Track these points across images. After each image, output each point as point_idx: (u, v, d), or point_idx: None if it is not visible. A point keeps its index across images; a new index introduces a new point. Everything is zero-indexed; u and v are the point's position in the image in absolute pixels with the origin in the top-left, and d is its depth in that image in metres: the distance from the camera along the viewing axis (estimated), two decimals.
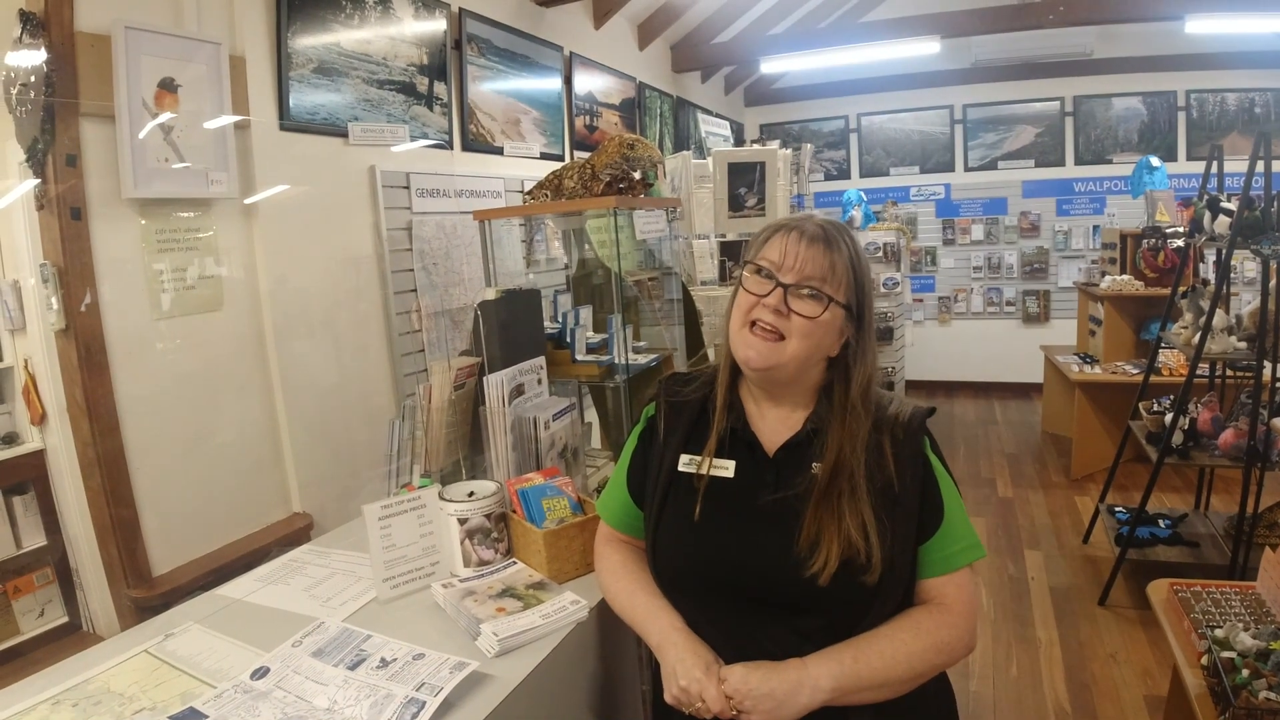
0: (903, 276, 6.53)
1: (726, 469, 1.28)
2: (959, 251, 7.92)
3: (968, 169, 7.79)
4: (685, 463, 1.31)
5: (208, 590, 1.68)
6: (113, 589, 2.49)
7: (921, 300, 8.06)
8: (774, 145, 4.35)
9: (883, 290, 6.36)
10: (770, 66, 6.73)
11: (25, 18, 2.09)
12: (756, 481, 1.26)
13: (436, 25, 3.54)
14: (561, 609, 1.40)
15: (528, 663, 1.27)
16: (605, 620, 1.47)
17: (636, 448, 1.43)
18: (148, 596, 2.38)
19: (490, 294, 2.25)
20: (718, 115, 7.40)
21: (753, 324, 1.23)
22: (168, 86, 2.37)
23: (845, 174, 8.20)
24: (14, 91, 2.15)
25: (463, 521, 1.61)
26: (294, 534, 2.75)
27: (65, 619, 3.05)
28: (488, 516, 1.63)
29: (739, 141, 7.88)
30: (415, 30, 3.41)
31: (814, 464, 1.22)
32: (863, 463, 1.20)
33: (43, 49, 2.10)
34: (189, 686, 1.24)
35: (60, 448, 2.80)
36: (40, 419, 2.99)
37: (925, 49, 6.04)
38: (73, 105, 2.17)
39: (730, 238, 4.37)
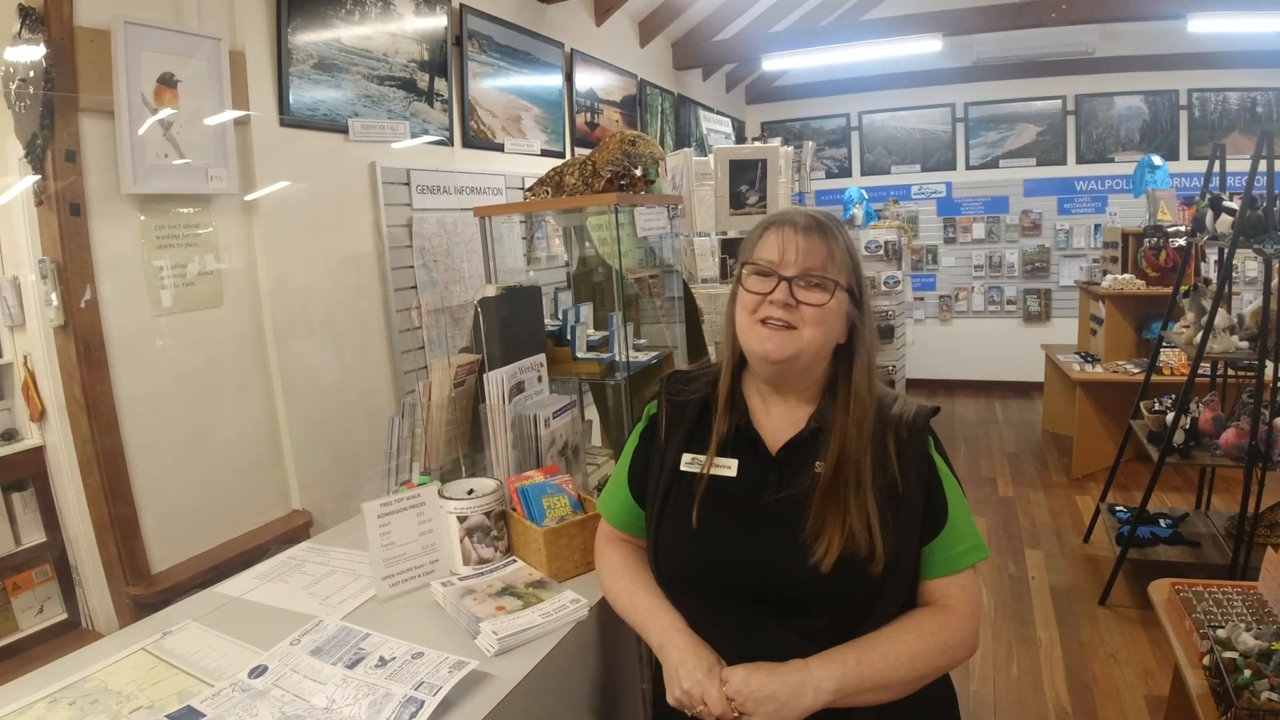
0: (903, 275, 6.52)
1: (729, 468, 1.27)
2: (960, 250, 7.91)
3: (969, 167, 7.77)
4: (688, 462, 1.30)
5: (206, 588, 1.68)
6: (112, 586, 2.49)
7: (922, 299, 8.05)
8: (775, 143, 4.34)
9: (884, 289, 6.36)
10: (771, 64, 6.72)
11: (25, 12, 2.08)
12: (759, 480, 1.25)
13: (437, 21, 3.53)
14: (561, 608, 1.40)
15: (527, 662, 1.26)
16: (605, 619, 1.46)
17: (638, 446, 1.42)
18: (147, 594, 2.37)
19: (490, 291, 2.24)
20: (719, 113, 7.39)
21: (763, 320, 1.22)
22: (167, 82, 2.36)
23: (846, 172, 8.19)
24: (13, 86, 2.13)
25: (462, 519, 1.60)
26: (293, 531, 2.75)
27: (64, 616, 3.05)
28: (487, 514, 1.63)
29: (740, 139, 7.87)
30: (416, 26, 3.40)
31: (817, 463, 1.21)
32: (868, 454, 1.19)
33: (42, 44, 2.09)
34: (186, 685, 1.23)
35: (60, 444, 2.80)
36: (40, 415, 2.98)
37: (927, 47, 6.03)
38: (72, 100, 2.16)
39: (731, 235, 4.36)
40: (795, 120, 8.31)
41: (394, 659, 1.23)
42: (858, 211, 6.73)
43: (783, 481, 1.23)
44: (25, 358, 2.95)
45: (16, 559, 3.01)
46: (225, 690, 1.18)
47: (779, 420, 1.29)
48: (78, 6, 2.16)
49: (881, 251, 6.38)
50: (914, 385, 7.72)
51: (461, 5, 3.70)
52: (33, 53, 2.10)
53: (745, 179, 4.11)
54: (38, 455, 3.07)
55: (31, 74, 2.10)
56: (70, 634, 2.93)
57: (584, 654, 1.44)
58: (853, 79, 7.77)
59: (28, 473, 3.06)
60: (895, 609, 1.19)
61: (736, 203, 4.11)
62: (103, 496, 2.38)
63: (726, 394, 1.31)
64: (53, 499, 3.08)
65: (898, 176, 8.02)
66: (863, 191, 6.99)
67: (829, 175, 8.18)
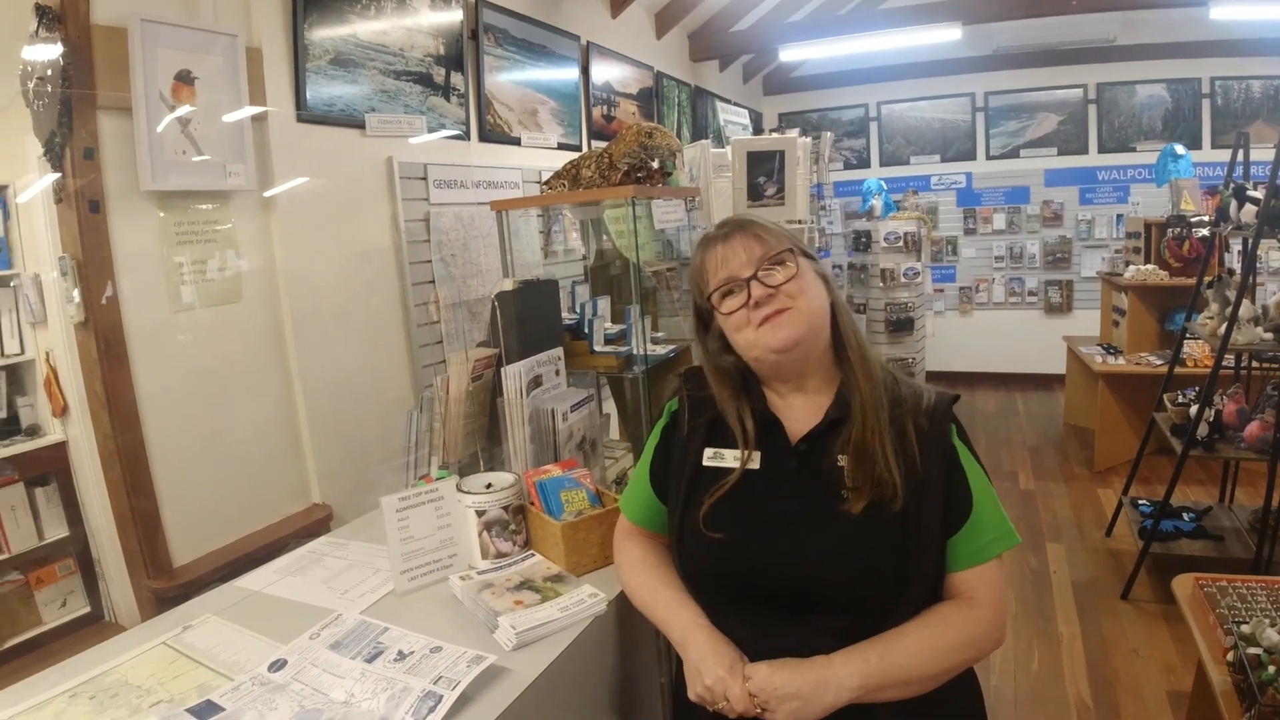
0: (923, 266, 6.48)
1: (752, 461, 1.26)
2: (980, 241, 7.83)
3: (989, 157, 7.69)
4: (710, 457, 1.30)
5: (227, 582, 1.68)
6: (133, 580, 2.51)
7: (942, 290, 7.98)
8: (793, 134, 4.32)
9: (903, 280, 6.32)
10: (789, 55, 6.67)
11: (41, 11, 2.10)
12: (780, 475, 1.24)
13: (453, 15, 3.52)
14: (580, 602, 1.39)
15: (545, 656, 1.26)
16: (624, 614, 1.45)
17: (659, 443, 1.42)
18: (168, 587, 2.39)
19: (508, 285, 2.24)
20: (736, 104, 7.36)
21: (761, 323, 1.23)
22: (184, 79, 2.37)
23: (865, 163, 8.12)
24: (31, 85, 2.15)
25: (480, 513, 1.60)
26: (313, 525, 2.76)
27: (87, 609, 3.08)
28: (505, 509, 1.63)
29: (758, 130, 7.83)
30: (432, 20, 3.40)
31: (840, 456, 1.20)
32: (884, 409, 1.20)
33: (59, 42, 2.10)
34: (206, 679, 1.24)
35: (81, 439, 2.82)
36: (62, 411, 3.01)
37: (946, 36, 5.97)
38: (90, 98, 2.17)
39: None
40: (813, 111, 8.25)
41: (412, 653, 1.23)
42: (876, 203, 6.70)
43: (802, 475, 1.23)
44: (47, 354, 2.98)
45: (39, 553, 3.04)
46: (245, 684, 1.19)
47: (799, 411, 1.28)
48: (94, 5, 2.18)
49: (901, 243, 6.35)
50: (933, 377, 7.60)
51: None
52: (50, 51, 2.11)
53: (763, 170, 4.09)
54: (60, 450, 3.10)
55: (49, 72, 2.12)
56: (93, 627, 2.96)
57: (602, 648, 1.44)
58: (871, 69, 7.70)
59: (50, 467, 3.09)
60: (919, 604, 1.18)
61: (754, 194, 4.08)
62: (124, 491, 2.39)
63: (735, 414, 1.29)
64: (75, 494, 3.11)
65: (917, 167, 7.94)
66: (881, 182, 6.95)
67: (847, 166, 8.13)
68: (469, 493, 1.62)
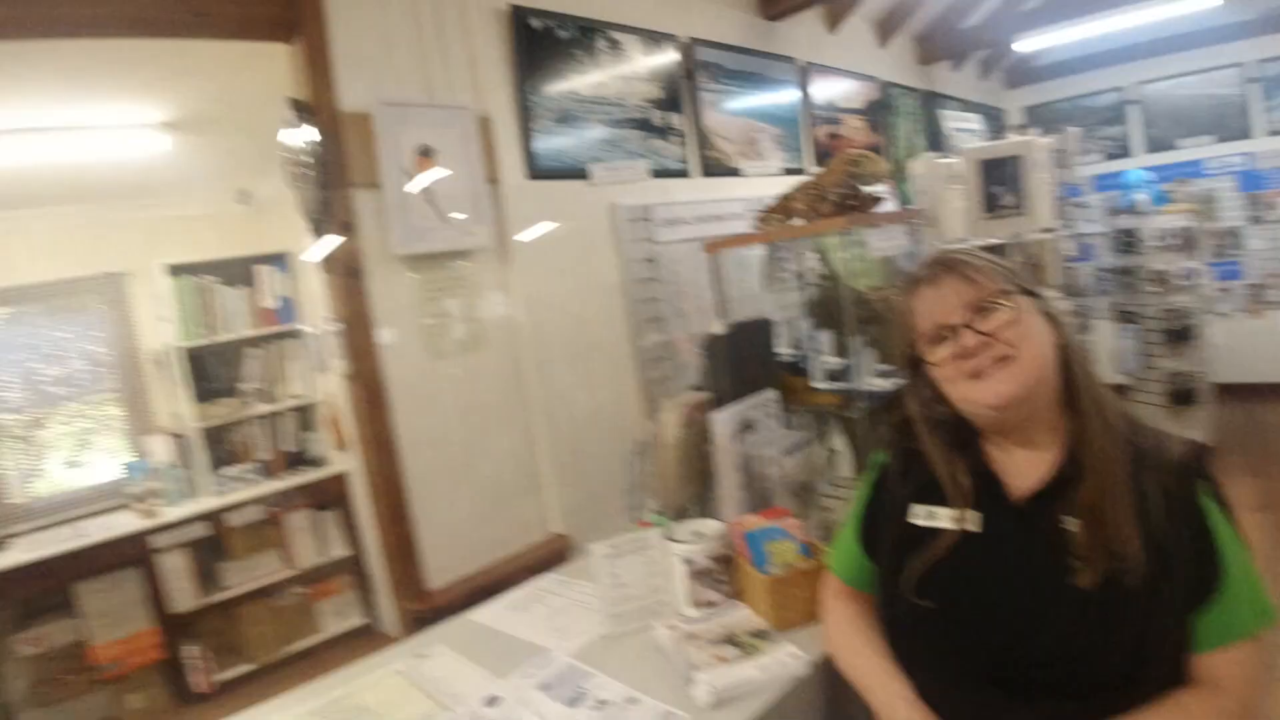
0: (1202, 265, 5.82)
1: (969, 522, 1.16)
2: (1269, 230, 6.90)
3: (1271, 133, 6.78)
4: (922, 516, 1.21)
5: (470, 607, 1.86)
6: (395, 599, 2.79)
7: (1227, 290, 7.11)
8: (1031, 134, 4.05)
9: (1180, 283, 5.71)
10: (1025, 45, 6.23)
11: (295, 105, 2.42)
12: (999, 539, 1.14)
13: (667, 58, 3.63)
14: (780, 661, 1.39)
15: (741, 715, 1.27)
16: (829, 676, 1.41)
17: (871, 498, 1.35)
18: (423, 610, 2.63)
19: (717, 328, 2.28)
20: (969, 103, 6.96)
21: (975, 375, 1.14)
22: (425, 153, 2.62)
23: (1125, 152, 7.38)
24: (292, 170, 2.48)
25: (688, 562, 1.64)
26: (552, 556, 2.92)
27: (363, 621, 3.48)
28: (713, 558, 1.65)
29: (999, 129, 7.38)
30: (647, 66, 3.52)
31: (1067, 518, 1.09)
32: (1124, 479, 1.07)
33: (313, 130, 2.41)
34: (429, 709, 1.39)
35: (357, 471, 3.18)
36: (342, 446, 3.41)
37: (1205, 3, 5.36)
38: (343, 177, 2.47)
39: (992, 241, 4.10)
40: (1061, 101, 7.62)
41: (611, 702, 1.30)
42: (1142, 196, 6.09)
43: (1024, 540, 1.12)
44: (329, 396, 3.39)
45: (322, 570, 3.48)
46: (462, 717, 1.32)
47: (1023, 466, 1.17)
48: (340, 95, 2.48)
49: (1174, 240, 5.73)
50: (1221, 391, 6.74)
51: (691, 38, 3.77)
52: (305, 138, 2.43)
53: (998, 179, 3.87)
54: (340, 481, 3.53)
55: (307, 157, 2.43)
56: (365, 638, 3.34)
57: (802, 710, 1.40)
58: (1124, 47, 6.94)
59: (332, 495, 3.53)
60: (1156, 689, 1.05)
61: (990, 206, 3.87)
62: (387, 520, 2.66)
63: (946, 468, 1.20)
64: (353, 519, 3.52)
65: (1185, 151, 7.11)
66: (1147, 173, 6.31)
67: (1109, 157, 7.44)
68: (677, 541, 1.66)
